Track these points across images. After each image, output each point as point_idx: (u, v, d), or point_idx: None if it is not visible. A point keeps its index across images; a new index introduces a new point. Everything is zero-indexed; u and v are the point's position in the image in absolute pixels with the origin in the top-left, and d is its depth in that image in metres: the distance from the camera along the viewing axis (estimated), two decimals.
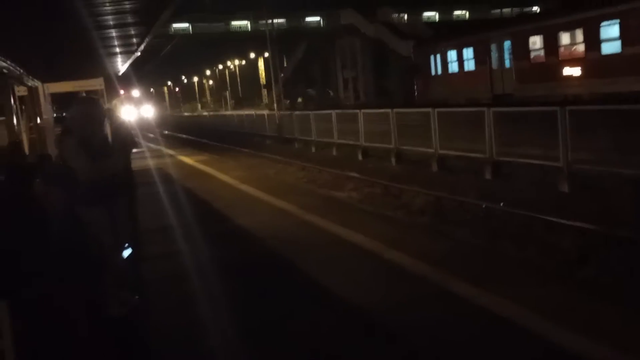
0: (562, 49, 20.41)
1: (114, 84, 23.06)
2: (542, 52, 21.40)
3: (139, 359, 3.80)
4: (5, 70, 12.50)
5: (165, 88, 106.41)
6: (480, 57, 24.74)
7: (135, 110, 34.79)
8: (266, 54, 48.34)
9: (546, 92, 20.00)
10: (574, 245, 6.96)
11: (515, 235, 7.55)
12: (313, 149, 20.61)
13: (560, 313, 4.02)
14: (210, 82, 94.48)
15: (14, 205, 3.34)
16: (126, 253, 4.00)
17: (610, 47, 18.21)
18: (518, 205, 8.76)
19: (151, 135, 31.39)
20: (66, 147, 4.39)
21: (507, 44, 23.19)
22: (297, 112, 26.39)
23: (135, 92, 42.07)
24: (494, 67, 23.92)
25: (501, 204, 9.15)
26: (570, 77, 19.91)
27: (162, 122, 43.29)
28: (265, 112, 32.87)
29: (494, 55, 23.92)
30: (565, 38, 20.27)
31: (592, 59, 18.92)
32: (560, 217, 7.77)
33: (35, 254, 3.06)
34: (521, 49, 22.24)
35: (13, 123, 13.38)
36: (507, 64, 23.26)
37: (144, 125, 34.83)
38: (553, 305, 4.20)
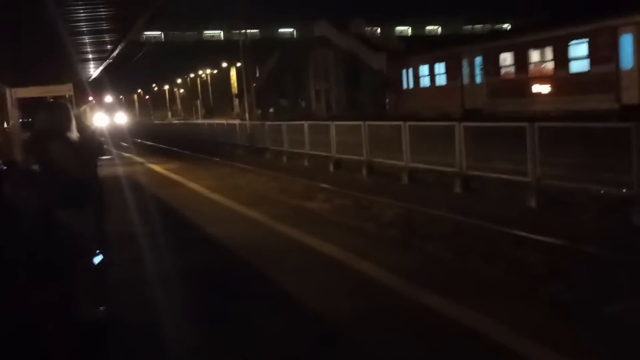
0: (532, 66, 20.88)
1: (84, 90, 22.69)
2: (512, 69, 21.84)
3: None
4: None
5: (135, 95, 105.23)
6: (452, 72, 25.13)
7: (106, 116, 34.26)
8: (238, 64, 48.27)
9: (516, 108, 20.40)
10: (540, 260, 7.06)
11: (483, 250, 7.63)
12: (284, 160, 20.58)
13: (524, 326, 4.07)
14: (182, 90, 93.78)
15: None
16: (97, 259, 3.93)
17: (579, 65, 18.70)
18: (486, 220, 8.87)
19: (123, 144, 30.89)
20: (59, 147, 4.38)
21: (478, 59, 23.61)
22: (269, 122, 26.36)
23: (107, 99, 41.48)
24: (465, 82, 24.31)
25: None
26: (539, 94, 20.35)
27: (132, 129, 42.71)
28: (237, 121, 32.74)
29: (465, 70, 24.32)
30: (535, 55, 20.75)
31: (561, 76, 19.39)
32: (528, 232, 7.89)
33: (4, 258, 2.98)
34: (492, 65, 22.67)
35: None
36: (478, 79, 23.67)
37: (115, 133, 34.31)
38: (519, 318, 4.26)
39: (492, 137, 11.78)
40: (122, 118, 47.41)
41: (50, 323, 3.07)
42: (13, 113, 18.66)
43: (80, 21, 7.73)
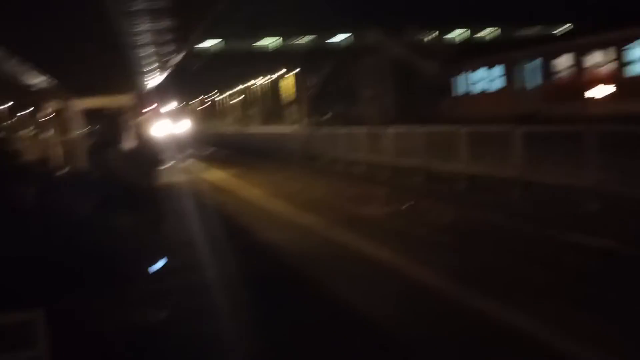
0: (589, 69, 20.17)
1: (145, 100, 23.50)
2: (569, 72, 21.17)
3: None
4: (42, 85, 12.90)
5: (195, 104, 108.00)
6: (506, 77, 24.58)
7: (168, 124, 35.21)
8: (294, 71, 48.83)
9: (573, 111, 19.75)
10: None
11: (541, 258, 7.40)
12: (339, 166, 20.65)
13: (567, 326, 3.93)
14: (239, 98, 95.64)
15: (47, 216, 3.45)
16: (158, 264, 4.06)
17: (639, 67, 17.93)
18: (546, 226, 8.60)
19: (184, 151, 31.65)
20: (114, 155, 4.62)
21: (533, 63, 23.01)
22: (323, 129, 26.51)
23: (169, 107, 42.75)
24: (520, 86, 23.73)
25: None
26: (597, 97, 19.64)
27: (192, 136, 43.89)
28: (293, 128, 33.09)
29: (520, 74, 23.74)
30: (593, 58, 20.04)
31: (620, 79, 18.65)
32: (586, 235, 7.62)
33: (69, 263, 3.14)
34: (548, 69, 22.04)
35: (46, 137, 13.77)
36: (533, 83, 23.06)
37: (177, 140, 35.31)
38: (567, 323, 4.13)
39: (552, 142, 11.43)
40: (187, 125, 48.51)
41: (113, 326, 3.20)
42: (77, 123, 19.55)
43: (142, 33, 8.07)
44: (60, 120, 18.68)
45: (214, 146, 39.70)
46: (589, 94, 19.82)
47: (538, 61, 22.58)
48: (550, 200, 10.03)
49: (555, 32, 47.55)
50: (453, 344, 4.10)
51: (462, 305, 4.82)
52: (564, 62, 21.29)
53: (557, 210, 9.40)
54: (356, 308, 4.94)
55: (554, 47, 22.59)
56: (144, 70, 15.22)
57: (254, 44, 50.64)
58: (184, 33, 9.14)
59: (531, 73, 22.98)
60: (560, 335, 4.09)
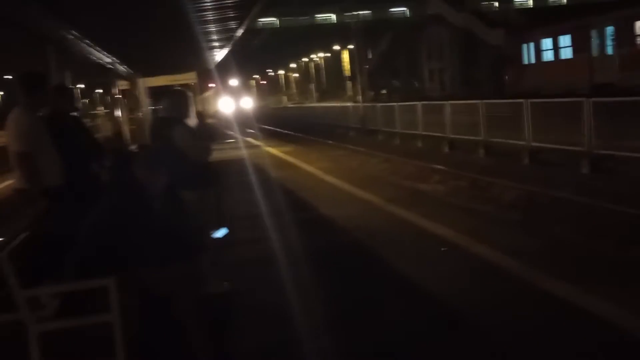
0: None
1: (207, 77, 23.94)
2: None
3: (234, 336, 3.95)
4: (110, 66, 13.36)
5: (253, 81, 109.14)
6: (579, 45, 23.39)
7: (230, 101, 35.68)
8: (351, 46, 48.34)
9: None
10: None
11: (617, 234, 7.09)
12: (397, 141, 20.42)
13: None
14: (296, 74, 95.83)
15: (120, 188, 3.60)
16: (222, 232, 4.16)
17: None
18: (619, 202, 8.22)
19: (245, 128, 32.10)
20: (180, 132, 4.76)
21: (609, 29, 21.76)
22: (380, 104, 26.22)
23: (231, 83, 43.34)
24: (594, 54, 22.54)
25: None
26: None
27: (251, 114, 44.45)
28: (350, 104, 32.90)
29: (595, 42, 22.53)
30: None
31: None
32: None
33: (140, 234, 3.27)
34: (625, 35, 20.79)
35: (116, 115, 14.29)
36: (609, 51, 21.84)
37: (238, 117, 35.79)
38: None
39: (626, 113, 10.85)
40: (247, 102, 49.09)
41: (181, 295, 3.32)
42: (144, 101, 20.19)
43: (205, 10, 8.17)
44: (129, 99, 19.33)
45: (273, 122, 40.11)
46: None
47: (616, 26, 21.31)
48: None
49: None
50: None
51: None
52: None
53: None
54: (422, 283, 4.89)
55: (635, 10, 21.20)
56: (206, 47, 15.46)
57: (310, 20, 50.44)
58: (245, 9, 9.19)
59: (609, 39, 21.72)
60: None
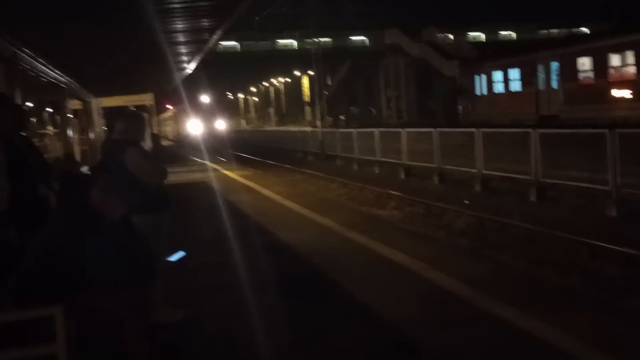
0: (611, 71, 19.94)
1: (164, 99, 23.74)
2: (590, 74, 20.96)
3: None
4: (63, 85, 13.11)
5: (213, 103, 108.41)
6: (527, 78, 24.40)
7: (187, 123, 35.20)
8: (311, 72, 48.88)
9: (594, 114, 19.54)
10: (620, 272, 6.76)
11: (558, 260, 7.39)
12: (355, 167, 20.67)
13: (602, 342, 3.93)
14: (255, 98, 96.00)
15: (70, 213, 3.51)
16: (178, 255, 4.09)
17: None
18: (562, 229, 8.57)
19: (198, 150, 31.74)
20: (133, 155, 4.68)
21: (554, 65, 22.81)
22: (340, 130, 26.54)
23: (186, 107, 42.93)
24: (541, 88, 23.54)
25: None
26: (619, 100, 19.40)
27: (210, 135, 44.08)
28: (308, 129, 33.14)
29: (541, 76, 23.56)
30: (615, 60, 19.81)
31: None
32: (607, 243, 7.56)
33: (90, 259, 3.19)
34: (569, 71, 21.84)
35: (67, 135, 13.96)
36: (555, 85, 22.86)
37: (198, 139, 35.31)
38: (596, 333, 4.11)
39: (569, 144, 11.37)
40: (203, 125, 48.70)
41: (132, 323, 3.25)
42: (97, 121, 19.81)
43: (163, 32, 8.15)
44: (81, 119, 18.95)
45: (231, 145, 39.96)
46: (613, 95, 19.57)
47: (561, 62, 22.35)
48: None
49: (579, 32, 46.93)
50: None
51: None
52: (587, 64, 21.05)
53: None
54: (378, 308, 4.97)
55: (578, 47, 22.33)
56: (164, 70, 15.37)
57: (271, 45, 50.86)
58: (204, 34, 9.23)
59: (554, 74, 22.76)
60: None
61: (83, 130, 19.79)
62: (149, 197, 4.62)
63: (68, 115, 15.04)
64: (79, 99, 18.40)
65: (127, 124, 4.96)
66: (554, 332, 4.14)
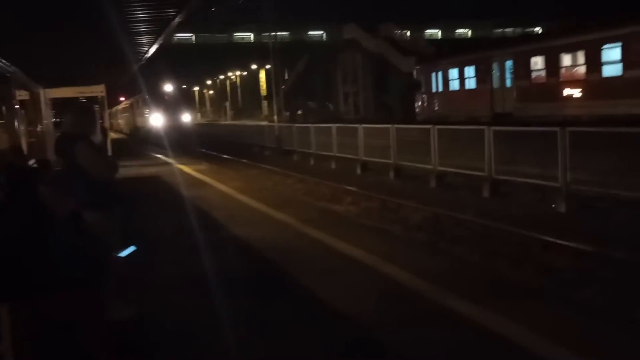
0: (563, 70, 20.56)
1: (116, 92, 23.14)
2: (543, 73, 21.56)
3: None
4: (8, 75, 12.58)
5: (167, 95, 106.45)
6: (482, 76, 24.90)
7: (140, 116, 34.35)
8: (268, 66, 48.61)
9: (546, 112, 20.12)
10: (569, 265, 6.97)
11: (511, 254, 7.56)
12: (312, 162, 20.66)
13: (555, 333, 4.03)
14: (211, 92, 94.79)
15: (15, 209, 3.34)
16: (128, 251, 3.96)
17: (612, 69, 18.34)
18: (514, 224, 8.78)
19: (155, 145, 31.02)
20: (84, 150, 4.51)
21: (508, 63, 23.35)
22: (297, 125, 26.47)
23: (140, 99, 41.93)
24: (495, 86, 24.07)
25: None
26: (570, 98, 20.03)
27: (164, 128, 43.20)
28: (265, 123, 32.95)
29: (495, 74, 24.08)
30: (566, 59, 20.43)
31: (593, 80, 19.05)
32: (556, 238, 7.79)
33: (39, 258, 3.06)
34: (522, 69, 22.40)
35: (14, 127, 13.42)
36: (508, 83, 23.41)
37: (151, 132, 34.44)
38: (549, 324, 4.22)
39: (522, 142, 11.66)
40: (156, 117, 47.69)
41: (85, 321, 3.14)
42: (46, 113, 19.13)
43: (117, 23, 7.91)
44: (29, 110, 18.24)
45: (185, 138, 39.35)
46: (565, 94, 20.19)
47: (515, 60, 22.91)
48: None
49: (534, 31, 48.26)
50: None
51: None
52: (540, 63, 21.64)
53: None
54: (335, 303, 4.96)
55: (531, 46, 22.92)
56: (116, 60, 14.94)
57: (228, 38, 50.32)
58: (159, 25, 9.01)
59: (508, 72, 23.31)
60: None
61: (31, 122, 19.07)
62: (100, 192, 4.48)
63: (15, 106, 14.45)
64: (26, 89, 17.71)
65: (75, 117, 4.77)
66: (507, 324, 4.23)
